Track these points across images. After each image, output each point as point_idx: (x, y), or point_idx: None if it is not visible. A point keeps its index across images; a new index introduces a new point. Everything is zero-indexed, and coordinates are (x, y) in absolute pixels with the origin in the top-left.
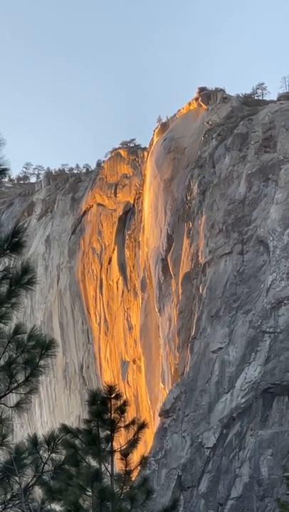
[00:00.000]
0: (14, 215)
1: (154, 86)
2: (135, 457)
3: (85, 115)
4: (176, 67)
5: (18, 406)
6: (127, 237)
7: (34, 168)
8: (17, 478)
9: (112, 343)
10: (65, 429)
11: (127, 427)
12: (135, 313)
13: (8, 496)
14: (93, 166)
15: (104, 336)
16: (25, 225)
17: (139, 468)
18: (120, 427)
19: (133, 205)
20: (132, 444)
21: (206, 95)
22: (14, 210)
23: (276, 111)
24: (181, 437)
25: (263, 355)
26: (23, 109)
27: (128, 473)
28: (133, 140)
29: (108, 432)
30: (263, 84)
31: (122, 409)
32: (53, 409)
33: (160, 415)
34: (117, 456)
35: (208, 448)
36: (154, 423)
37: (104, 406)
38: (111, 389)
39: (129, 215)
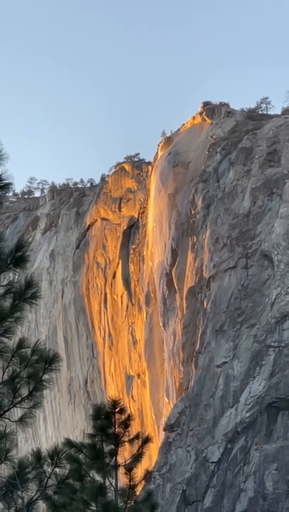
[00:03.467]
0: (19, 229)
1: (159, 100)
2: (139, 471)
3: (89, 129)
4: (181, 81)
5: (21, 420)
6: (131, 251)
7: (38, 183)
8: (20, 492)
9: (117, 357)
10: (69, 443)
11: (131, 441)
12: (140, 327)
13: (12, 511)
14: (97, 181)
15: (108, 350)
16: (30, 240)
17: (143, 482)
18: (124, 441)
19: (137, 220)
20: (136, 458)
21: (210, 109)
22: (19, 225)
23: (280, 125)
24: (186, 452)
25: (268, 370)
26: (27, 123)
27: (132, 487)
28: (137, 154)
29: (112, 447)
30: (267, 98)
31: (126, 424)
32: (57, 423)
33: (165, 430)
34: (121, 470)
35: (212, 462)
36: (159, 437)
37: (108, 420)
38: (115, 403)
39: (133, 230)
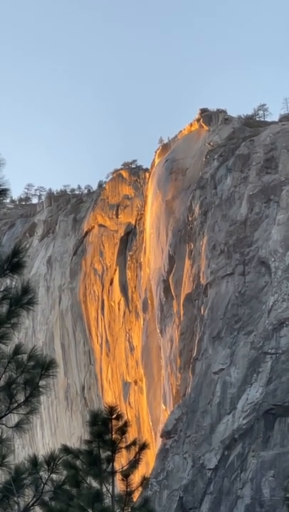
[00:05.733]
0: (16, 236)
1: (156, 107)
2: (136, 478)
3: (87, 136)
4: (178, 88)
5: (18, 426)
6: (128, 258)
7: (36, 189)
8: (16, 498)
9: (114, 364)
10: (65, 449)
11: (128, 447)
12: (137, 334)
13: None
14: (95, 187)
15: (105, 356)
16: (27, 246)
17: (140, 489)
18: (121, 447)
19: (135, 226)
20: (133, 464)
21: (207, 116)
22: (16, 231)
23: (278, 132)
24: (183, 458)
25: (265, 376)
26: (25, 129)
27: (129, 494)
28: (134, 161)
29: (109, 453)
30: (264, 105)
31: (122, 430)
32: (54, 430)
33: (161, 436)
34: (118, 476)
35: (209, 469)
36: (156, 444)
37: (105, 427)
38: (112, 410)
39: (130, 236)
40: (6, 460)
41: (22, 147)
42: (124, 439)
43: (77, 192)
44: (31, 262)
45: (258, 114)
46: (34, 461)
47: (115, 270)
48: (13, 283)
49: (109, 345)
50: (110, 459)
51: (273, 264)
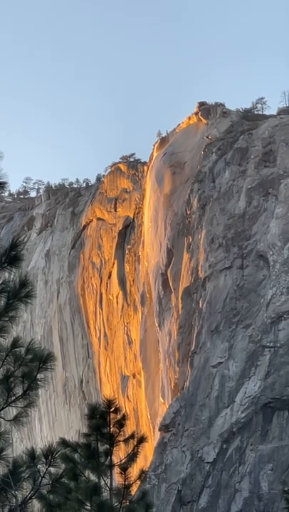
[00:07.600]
0: (14, 229)
1: (154, 100)
2: (135, 471)
3: (86, 130)
4: (176, 81)
5: (16, 419)
6: (126, 251)
7: (34, 183)
8: (13, 491)
9: (112, 357)
10: (63, 443)
11: (126, 441)
12: (135, 327)
13: (6, 510)
14: (93, 181)
15: (104, 350)
16: (25, 240)
17: (138, 482)
18: (119, 441)
19: (133, 220)
20: (131, 458)
21: (205, 110)
22: (14, 225)
23: (276, 125)
24: (181, 452)
25: (263, 370)
26: (23, 123)
27: (127, 487)
28: (133, 154)
29: (107, 446)
30: (262, 98)
31: (121, 423)
32: (52, 423)
33: (160, 430)
34: (116, 470)
35: (208, 463)
36: (154, 438)
37: (103, 420)
38: (110, 403)
39: (129, 230)
40: (4, 453)
41: (21, 140)
42: (122, 433)
43: (75, 185)
44: (29, 255)
45: (256, 107)
46: (32, 455)
47: (113, 264)
48: (11, 276)
49: (107, 338)
50: (108, 453)
51: (272, 258)
